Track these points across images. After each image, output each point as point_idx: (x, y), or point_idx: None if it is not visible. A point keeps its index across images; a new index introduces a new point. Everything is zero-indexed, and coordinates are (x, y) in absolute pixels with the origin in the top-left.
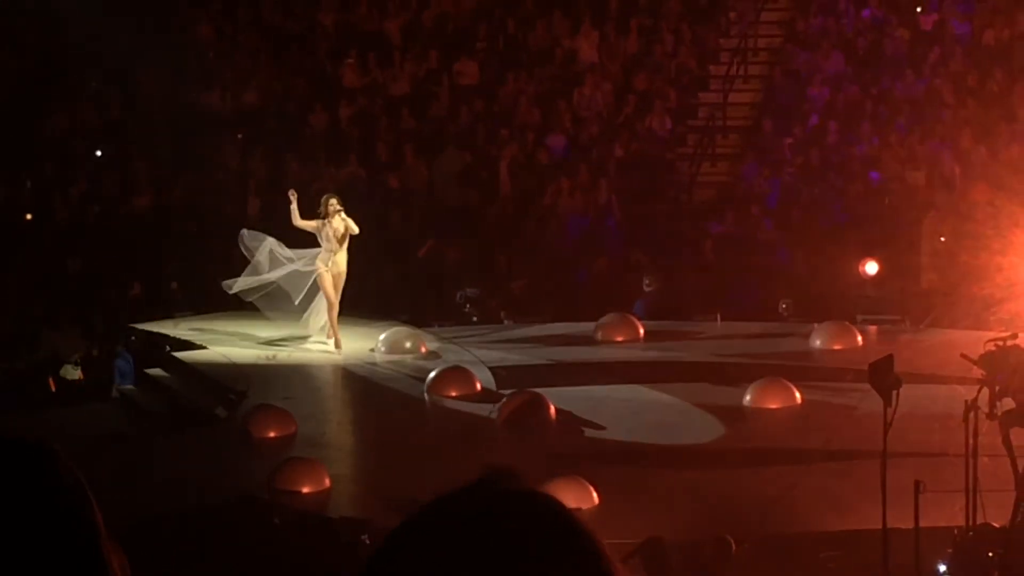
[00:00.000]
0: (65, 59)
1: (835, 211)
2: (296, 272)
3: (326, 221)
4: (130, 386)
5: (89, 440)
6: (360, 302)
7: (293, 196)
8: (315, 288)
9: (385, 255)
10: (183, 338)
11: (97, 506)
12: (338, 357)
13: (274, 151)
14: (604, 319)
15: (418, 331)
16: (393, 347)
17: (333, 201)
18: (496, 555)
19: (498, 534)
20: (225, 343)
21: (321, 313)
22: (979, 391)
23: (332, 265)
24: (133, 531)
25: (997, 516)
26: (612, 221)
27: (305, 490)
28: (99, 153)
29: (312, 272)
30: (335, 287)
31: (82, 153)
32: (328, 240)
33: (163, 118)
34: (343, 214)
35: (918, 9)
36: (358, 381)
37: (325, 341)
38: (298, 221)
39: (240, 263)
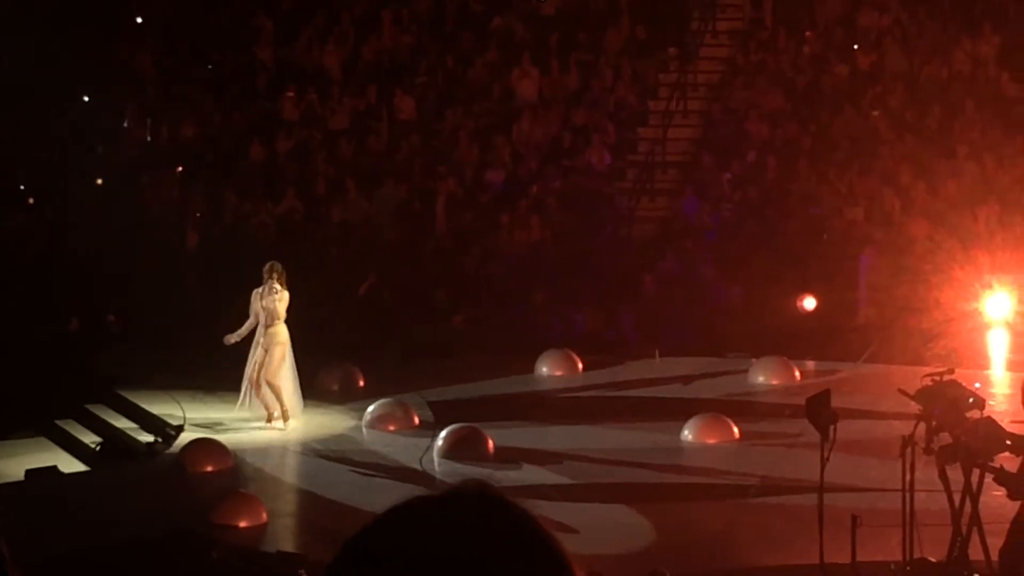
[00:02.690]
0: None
1: (774, 247)
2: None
3: (263, 290)
4: (69, 419)
5: (25, 473)
6: (299, 339)
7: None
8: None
9: (323, 291)
10: (119, 372)
11: (6, 542)
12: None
13: (212, 185)
14: (544, 354)
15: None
16: (331, 382)
17: (273, 265)
18: (466, 558)
19: (470, 537)
20: (165, 379)
21: (291, 392)
22: (916, 426)
23: (267, 338)
24: (68, 565)
25: (934, 550)
26: (551, 256)
27: (242, 524)
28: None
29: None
30: (281, 360)
31: (17, 187)
32: (260, 313)
33: (101, 150)
34: (278, 288)
35: (855, 46)
36: (295, 415)
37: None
38: (250, 328)
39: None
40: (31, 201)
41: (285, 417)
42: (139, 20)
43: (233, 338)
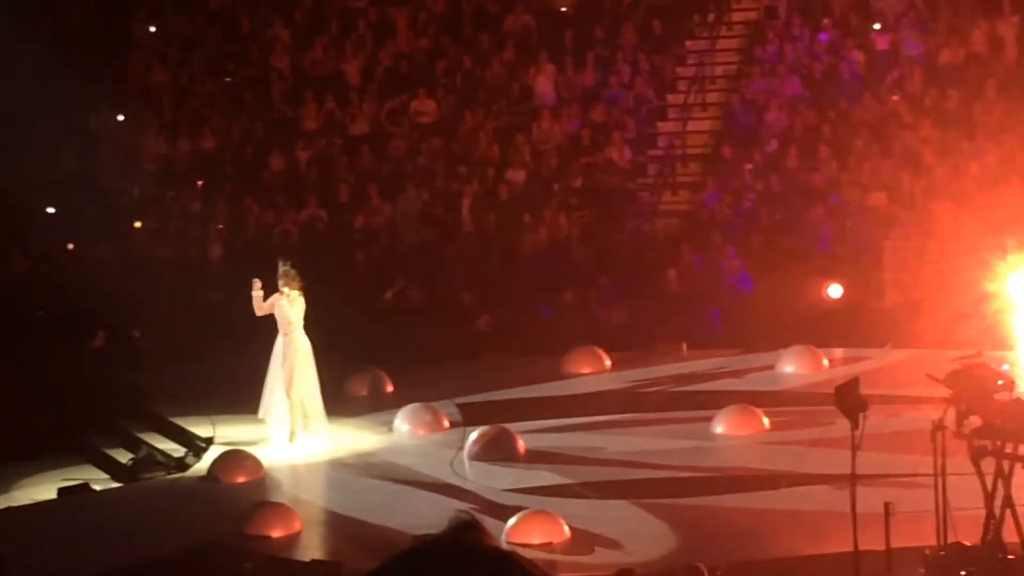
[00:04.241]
0: (18, 109)
1: (797, 235)
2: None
3: (278, 296)
4: (99, 436)
5: (58, 491)
6: (327, 345)
7: (256, 285)
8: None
9: (349, 297)
10: (146, 386)
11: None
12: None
13: (234, 196)
14: (570, 352)
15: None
16: (360, 388)
17: (284, 270)
18: None
19: None
20: (192, 392)
21: (309, 405)
22: (945, 410)
23: (284, 346)
24: None
25: (968, 535)
26: (575, 254)
27: (276, 534)
28: (51, 210)
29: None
30: (300, 369)
31: (38, 204)
32: (279, 321)
33: (121, 166)
34: (289, 293)
35: (876, 25)
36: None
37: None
38: (259, 310)
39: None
40: (52, 216)
41: (291, 436)
42: (152, 31)
43: (257, 289)
